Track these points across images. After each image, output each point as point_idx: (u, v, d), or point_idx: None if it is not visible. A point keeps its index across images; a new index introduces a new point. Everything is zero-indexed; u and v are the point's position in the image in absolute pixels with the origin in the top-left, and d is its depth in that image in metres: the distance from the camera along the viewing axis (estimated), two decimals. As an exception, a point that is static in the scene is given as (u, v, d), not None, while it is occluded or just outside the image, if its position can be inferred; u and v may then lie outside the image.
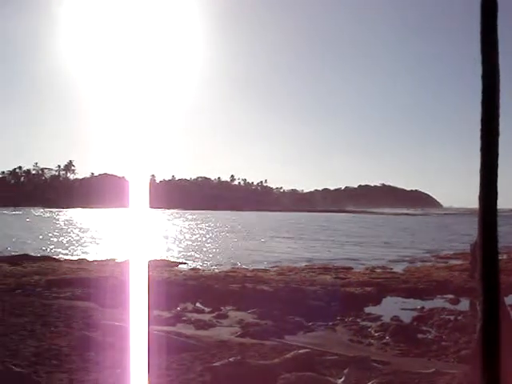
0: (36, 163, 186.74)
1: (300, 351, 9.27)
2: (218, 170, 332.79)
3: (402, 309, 17.25)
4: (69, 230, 62.10)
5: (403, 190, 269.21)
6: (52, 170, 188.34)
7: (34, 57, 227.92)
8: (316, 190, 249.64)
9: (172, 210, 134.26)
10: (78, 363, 8.87)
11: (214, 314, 15.45)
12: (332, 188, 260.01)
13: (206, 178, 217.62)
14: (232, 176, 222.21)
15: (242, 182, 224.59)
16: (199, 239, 52.26)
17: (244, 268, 27.02)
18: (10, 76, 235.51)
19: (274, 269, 26.82)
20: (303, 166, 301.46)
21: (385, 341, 12.95)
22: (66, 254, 34.53)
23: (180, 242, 46.69)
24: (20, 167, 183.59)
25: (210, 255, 35.43)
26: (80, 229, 65.00)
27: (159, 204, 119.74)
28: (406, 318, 15.55)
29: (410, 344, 12.42)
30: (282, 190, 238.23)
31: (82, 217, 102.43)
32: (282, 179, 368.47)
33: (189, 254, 36.64)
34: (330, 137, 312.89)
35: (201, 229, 71.39)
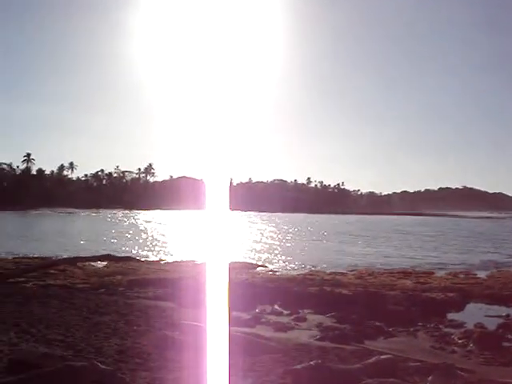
0: (117, 166, 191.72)
1: (382, 357, 9.09)
2: (295, 172, 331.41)
3: (486, 316, 16.68)
4: (148, 231, 63.51)
5: (486, 193, 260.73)
6: (132, 172, 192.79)
7: (110, 63, 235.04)
8: (394, 193, 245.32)
9: (249, 213, 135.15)
10: (159, 362, 9.02)
11: (292, 317, 15.40)
12: (411, 190, 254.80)
13: (282, 180, 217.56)
14: (308, 178, 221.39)
15: (318, 185, 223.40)
16: (276, 241, 52.35)
17: (322, 271, 26.86)
18: (91, 84, 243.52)
19: (353, 272, 26.53)
20: (382, 168, 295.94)
21: (469, 348, 12.51)
22: (146, 255, 35.38)
23: (257, 245, 46.89)
24: (102, 170, 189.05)
25: (288, 257, 35.39)
26: (159, 230, 66.38)
27: (236, 206, 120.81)
28: (491, 325, 15.00)
29: (495, 352, 11.95)
30: (359, 193, 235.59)
31: (161, 218, 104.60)
32: (360, 181, 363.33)
33: (266, 256, 36.77)
34: (410, 138, 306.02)
35: (278, 231, 71.50)
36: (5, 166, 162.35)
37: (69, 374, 7.18)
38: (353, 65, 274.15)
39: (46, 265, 24.49)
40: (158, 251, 38.82)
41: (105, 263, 26.54)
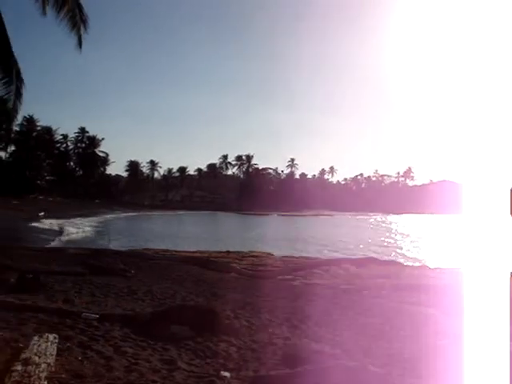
0: (376, 170, 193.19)
1: None
2: None
3: None
4: (411, 235, 62.73)
5: None
6: (391, 176, 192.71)
7: (369, 63, 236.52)
8: None
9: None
10: (429, 371, 8.77)
11: None
12: None
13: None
14: None
15: None
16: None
17: None
18: (343, 89, 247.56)
19: None
20: None
21: None
22: (409, 259, 34.94)
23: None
24: (361, 174, 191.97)
25: None
26: (421, 234, 65.21)
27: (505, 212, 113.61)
28: None
29: None
30: None
31: (422, 222, 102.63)
32: None
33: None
34: None
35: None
36: (271, 171, 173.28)
37: (341, 373, 7.34)
38: None
39: (311, 264, 25.50)
40: (422, 256, 38.13)
41: (367, 266, 26.80)
